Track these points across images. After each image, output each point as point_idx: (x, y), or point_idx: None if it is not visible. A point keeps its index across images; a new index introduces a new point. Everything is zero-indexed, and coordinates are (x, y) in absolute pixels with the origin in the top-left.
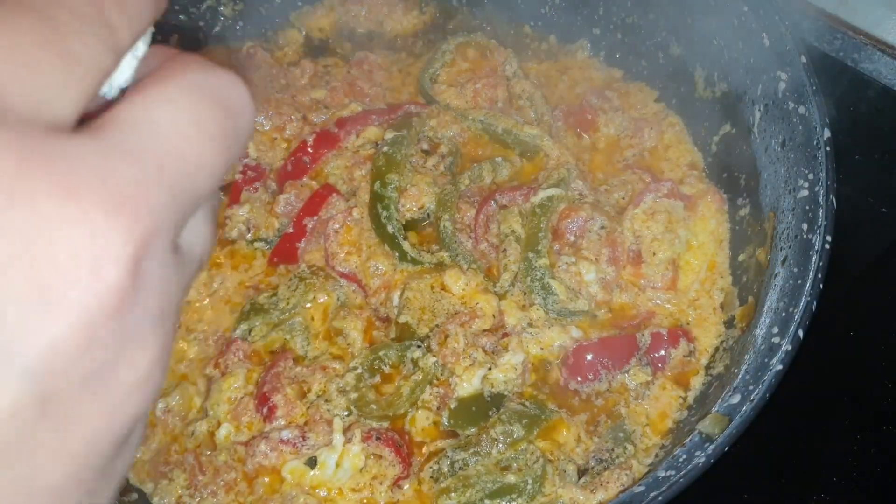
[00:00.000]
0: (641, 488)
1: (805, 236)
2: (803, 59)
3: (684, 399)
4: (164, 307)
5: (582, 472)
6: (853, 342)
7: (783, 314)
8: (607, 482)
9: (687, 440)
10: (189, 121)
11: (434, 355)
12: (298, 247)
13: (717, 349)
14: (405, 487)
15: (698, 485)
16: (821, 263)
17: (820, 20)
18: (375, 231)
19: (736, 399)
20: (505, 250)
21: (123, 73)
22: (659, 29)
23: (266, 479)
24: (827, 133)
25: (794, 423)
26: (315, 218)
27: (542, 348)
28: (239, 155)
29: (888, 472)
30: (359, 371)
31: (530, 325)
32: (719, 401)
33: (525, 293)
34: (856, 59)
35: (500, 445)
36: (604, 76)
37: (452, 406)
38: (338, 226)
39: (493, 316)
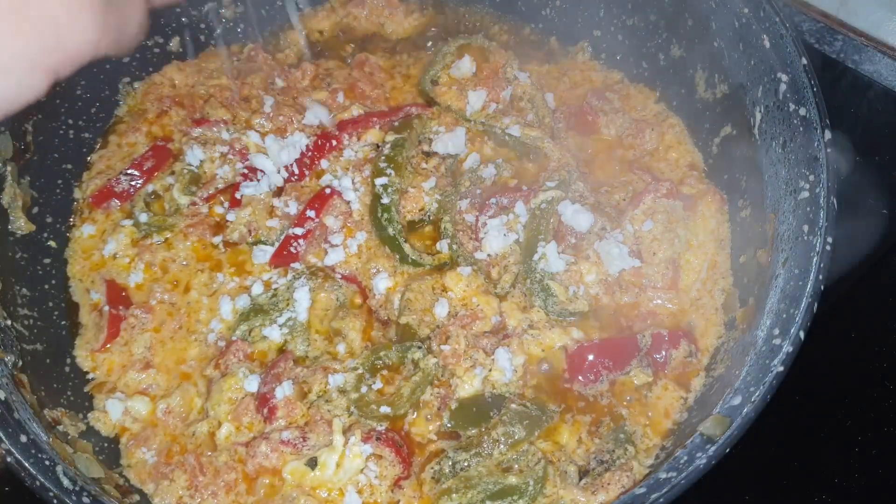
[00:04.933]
0: (643, 490)
1: (806, 238)
2: (804, 61)
3: (685, 400)
4: None
5: (583, 473)
6: (854, 343)
7: (784, 315)
8: (608, 483)
9: (688, 441)
10: None
11: (435, 356)
12: (299, 248)
13: (717, 350)
14: (406, 488)
15: (699, 486)
16: (822, 265)
17: (820, 22)
18: (376, 233)
19: (737, 400)
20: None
21: None
22: (659, 31)
23: (266, 480)
24: (828, 134)
25: (796, 423)
26: (316, 220)
27: (543, 350)
28: None
29: (889, 472)
30: (359, 371)
31: (531, 326)
32: (720, 402)
33: (525, 295)
34: (856, 61)
35: (502, 446)
36: (604, 78)
37: (453, 407)
38: (338, 227)
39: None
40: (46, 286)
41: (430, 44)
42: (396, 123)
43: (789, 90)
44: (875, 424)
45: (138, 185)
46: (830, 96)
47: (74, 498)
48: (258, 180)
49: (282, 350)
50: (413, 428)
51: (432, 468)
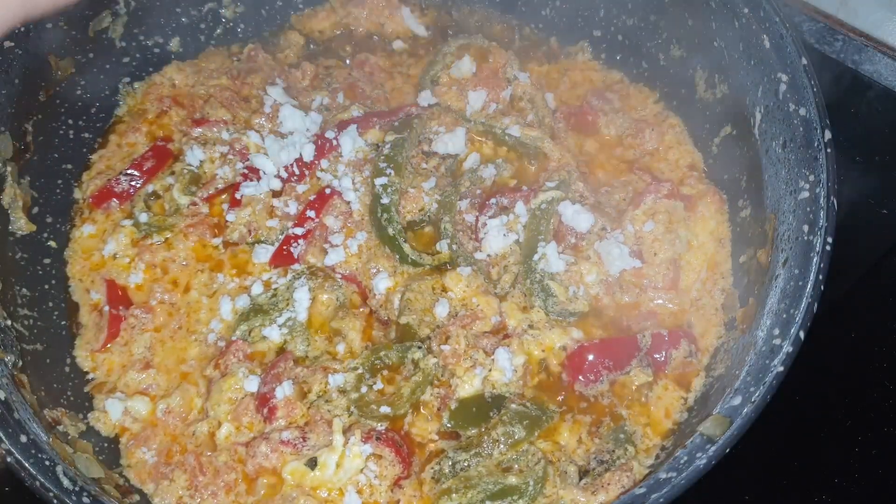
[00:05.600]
0: (642, 490)
1: (806, 238)
2: (804, 61)
3: (685, 400)
4: None
5: (583, 473)
6: (854, 343)
7: (784, 316)
8: (608, 483)
9: (688, 441)
10: None
11: (435, 356)
12: (299, 248)
13: (718, 350)
14: (406, 488)
15: (699, 486)
16: (822, 265)
17: (820, 22)
18: (376, 233)
19: (737, 400)
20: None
21: None
22: (659, 31)
23: (266, 480)
24: (828, 134)
25: (795, 423)
26: (316, 220)
27: (543, 350)
28: None
29: (889, 472)
30: (359, 371)
31: (531, 326)
32: (720, 402)
33: (525, 295)
34: (856, 61)
35: (502, 446)
36: (604, 78)
37: (453, 407)
38: (338, 227)
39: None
40: (46, 286)
41: (430, 44)
42: (396, 123)
43: (789, 90)
44: (875, 424)
45: (138, 185)
46: (830, 96)
47: (74, 498)
48: (258, 180)
49: (282, 350)
50: (413, 428)
51: (432, 468)
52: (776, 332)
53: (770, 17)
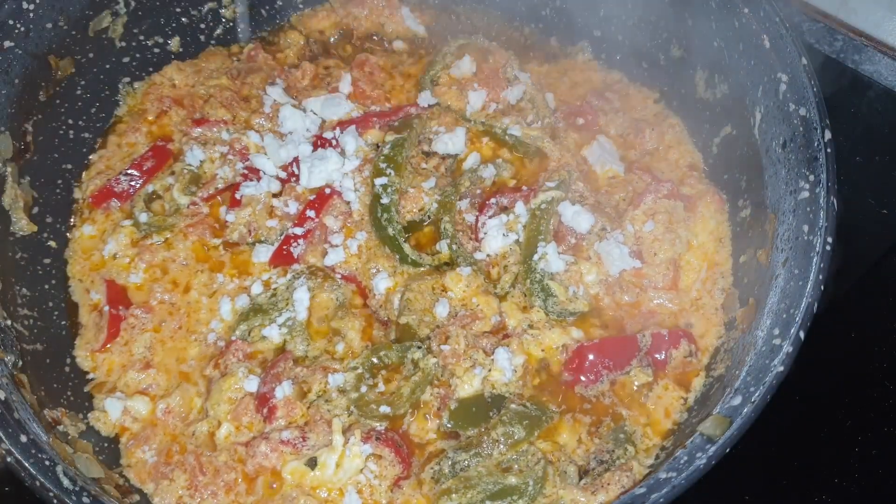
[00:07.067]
0: (643, 490)
1: (806, 238)
2: (804, 61)
3: (685, 400)
4: None
5: (583, 473)
6: (854, 343)
7: (784, 315)
8: (608, 483)
9: (688, 441)
10: None
11: (434, 356)
12: (298, 248)
13: (718, 350)
14: (405, 488)
15: (699, 486)
16: (822, 265)
17: (820, 22)
18: (376, 233)
19: (737, 400)
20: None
21: None
22: (659, 31)
23: (267, 480)
24: (828, 134)
25: (795, 423)
26: (316, 220)
27: (543, 349)
28: None
29: (889, 472)
30: (359, 371)
31: (531, 326)
32: (720, 402)
33: (525, 295)
34: (856, 61)
35: (502, 446)
36: (604, 78)
37: (453, 407)
38: (338, 227)
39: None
40: (46, 286)
41: (430, 44)
42: (396, 123)
43: (789, 90)
44: (875, 424)
45: (138, 185)
46: (830, 96)
47: (74, 498)
48: (258, 180)
49: (281, 350)
50: (413, 428)
51: (432, 468)
52: (776, 332)
53: (770, 17)
